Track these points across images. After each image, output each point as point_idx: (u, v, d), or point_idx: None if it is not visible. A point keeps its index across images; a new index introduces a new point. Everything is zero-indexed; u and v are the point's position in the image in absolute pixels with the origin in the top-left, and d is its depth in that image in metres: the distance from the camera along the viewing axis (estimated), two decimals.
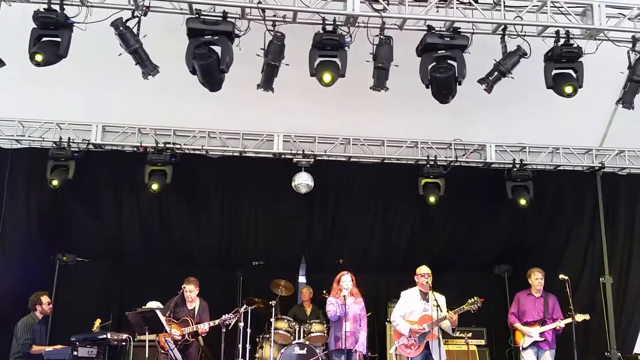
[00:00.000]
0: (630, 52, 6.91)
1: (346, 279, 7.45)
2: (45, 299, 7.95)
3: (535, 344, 7.74)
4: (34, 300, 7.90)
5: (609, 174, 10.06)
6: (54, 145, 9.01)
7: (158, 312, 7.38)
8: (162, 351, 7.70)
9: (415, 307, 7.32)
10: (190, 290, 7.96)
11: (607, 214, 10.05)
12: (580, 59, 6.80)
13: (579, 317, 7.68)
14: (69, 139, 9.03)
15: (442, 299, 7.31)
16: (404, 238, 10.41)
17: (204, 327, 7.86)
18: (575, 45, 6.79)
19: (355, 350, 7.37)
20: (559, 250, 10.13)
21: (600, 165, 9.80)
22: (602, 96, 8.55)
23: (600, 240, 9.97)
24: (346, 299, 7.26)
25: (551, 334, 7.79)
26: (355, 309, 7.47)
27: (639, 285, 9.84)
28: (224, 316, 7.86)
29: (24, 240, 9.45)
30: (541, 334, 7.73)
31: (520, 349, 7.86)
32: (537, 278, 7.92)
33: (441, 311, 7.06)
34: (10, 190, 9.27)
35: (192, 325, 7.85)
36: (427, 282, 7.23)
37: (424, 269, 7.41)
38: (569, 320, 7.61)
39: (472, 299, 7.13)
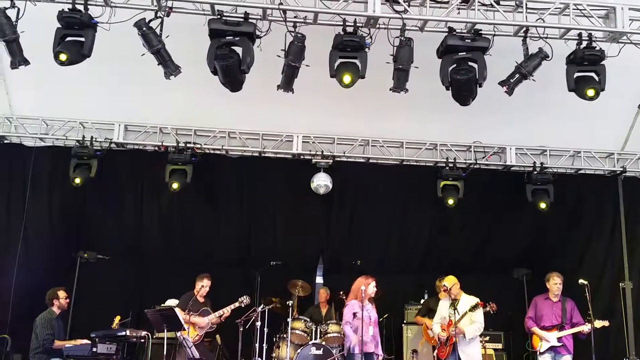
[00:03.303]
0: None
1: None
2: (62, 293, 7.98)
3: (552, 348, 7.67)
4: (51, 295, 7.93)
5: (630, 178, 9.95)
6: (76, 143, 9.12)
7: (177, 310, 7.47)
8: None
9: (445, 313, 7.61)
10: (208, 286, 8.22)
11: (627, 218, 9.93)
12: (602, 62, 6.75)
13: (598, 324, 7.59)
14: (92, 137, 9.14)
15: (469, 301, 7.48)
16: (422, 240, 10.41)
17: (227, 311, 8.14)
18: (597, 48, 6.74)
19: (378, 353, 7.48)
20: (579, 254, 10.04)
21: (621, 169, 9.68)
22: (625, 100, 8.49)
23: (621, 245, 9.86)
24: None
25: (569, 339, 7.72)
26: (375, 314, 7.56)
27: None
28: (240, 298, 8.22)
29: (46, 237, 9.57)
30: (559, 339, 7.66)
31: (538, 353, 7.80)
32: (555, 283, 7.85)
33: (458, 314, 7.23)
34: (33, 188, 9.40)
35: (212, 313, 8.09)
36: (451, 292, 7.56)
37: (444, 284, 7.67)
38: (595, 324, 7.52)
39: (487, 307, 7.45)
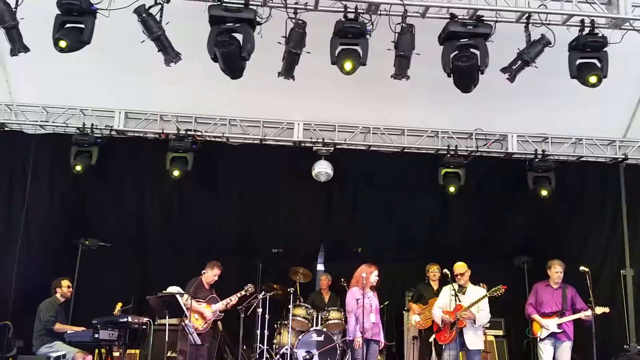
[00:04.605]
0: None
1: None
2: (65, 282, 8.07)
3: (552, 335, 7.67)
4: (55, 284, 8.08)
5: (632, 165, 9.90)
6: (77, 131, 9.10)
7: (178, 296, 7.50)
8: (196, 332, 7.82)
9: (452, 299, 7.49)
10: (218, 275, 8.17)
11: (629, 206, 9.91)
12: (605, 49, 6.70)
13: (599, 310, 7.58)
14: (92, 125, 9.12)
15: (478, 292, 7.45)
16: (422, 228, 10.42)
17: (233, 299, 8.13)
18: (600, 34, 6.69)
19: (380, 340, 7.50)
20: (580, 242, 10.04)
21: (623, 156, 9.66)
22: (627, 86, 8.45)
23: (622, 233, 9.86)
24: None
25: (570, 325, 7.73)
26: (376, 302, 7.58)
27: None
28: (246, 287, 8.22)
29: (47, 225, 9.60)
30: (559, 326, 7.66)
31: (538, 339, 7.82)
32: (557, 271, 7.82)
33: (459, 301, 7.23)
34: (33, 176, 9.43)
35: (220, 301, 8.06)
36: (462, 278, 7.51)
37: (456, 270, 7.58)
38: (596, 311, 7.50)
39: (495, 288, 7.33)
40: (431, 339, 7.99)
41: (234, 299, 8.15)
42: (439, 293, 7.86)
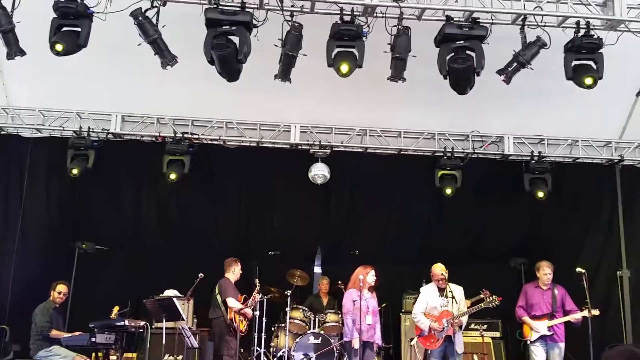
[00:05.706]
0: None
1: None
2: (59, 287, 7.98)
3: (543, 337, 7.60)
4: (51, 287, 8.04)
5: (628, 167, 9.92)
6: (74, 134, 9.10)
7: (175, 299, 7.50)
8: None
9: (435, 303, 7.49)
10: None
11: (625, 207, 9.93)
12: (600, 50, 6.72)
13: (591, 312, 7.55)
14: (89, 128, 9.11)
15: (459, 291, 7.43)
16: (419, 230, 10.42)
17: (257, 297, 8.20)
18: (595, 36, 6.71)
19: (375, 342, 7.48)
20: (577, 243, 10.03)
21: (619, 158, 9.68)
22: (623, 88, 8.45)
23: (618, 234, 9.87)
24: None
25: (561, 327, 7.63)
26: (374, 303, 7.56)
27: None
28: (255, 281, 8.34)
29: (44, 228, 9.59)
30: (549, 328, 7.59)
31: (529, 342, 7.77)
32: (545, 273, 7.72)
33: (457, 303, 7.18)
34: (30, 179, 9.42)
35: (248, 300, 8.13)
36: (443, 280, 7.41)
37: (438, 272, 7.50)
38: (585, 313, 7.46)
39: (490, 299, 7.38)
40: (413, 343, 7.91)
41: (257, 297, 8.18)
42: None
